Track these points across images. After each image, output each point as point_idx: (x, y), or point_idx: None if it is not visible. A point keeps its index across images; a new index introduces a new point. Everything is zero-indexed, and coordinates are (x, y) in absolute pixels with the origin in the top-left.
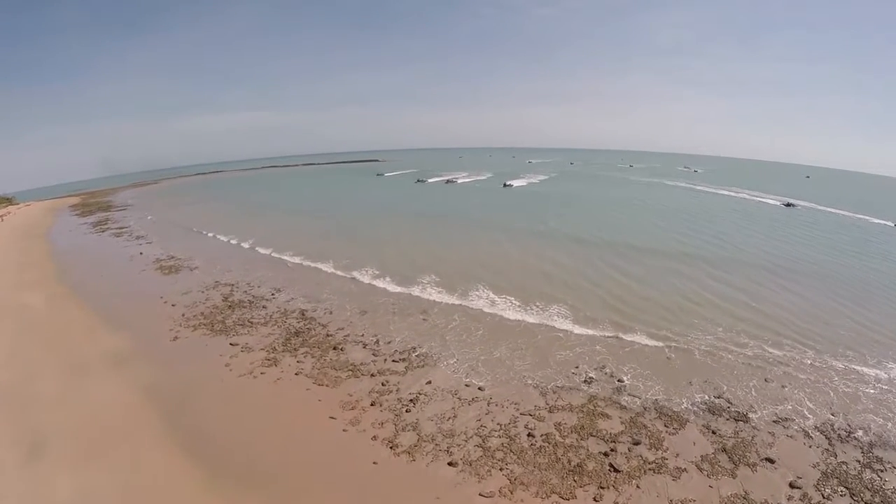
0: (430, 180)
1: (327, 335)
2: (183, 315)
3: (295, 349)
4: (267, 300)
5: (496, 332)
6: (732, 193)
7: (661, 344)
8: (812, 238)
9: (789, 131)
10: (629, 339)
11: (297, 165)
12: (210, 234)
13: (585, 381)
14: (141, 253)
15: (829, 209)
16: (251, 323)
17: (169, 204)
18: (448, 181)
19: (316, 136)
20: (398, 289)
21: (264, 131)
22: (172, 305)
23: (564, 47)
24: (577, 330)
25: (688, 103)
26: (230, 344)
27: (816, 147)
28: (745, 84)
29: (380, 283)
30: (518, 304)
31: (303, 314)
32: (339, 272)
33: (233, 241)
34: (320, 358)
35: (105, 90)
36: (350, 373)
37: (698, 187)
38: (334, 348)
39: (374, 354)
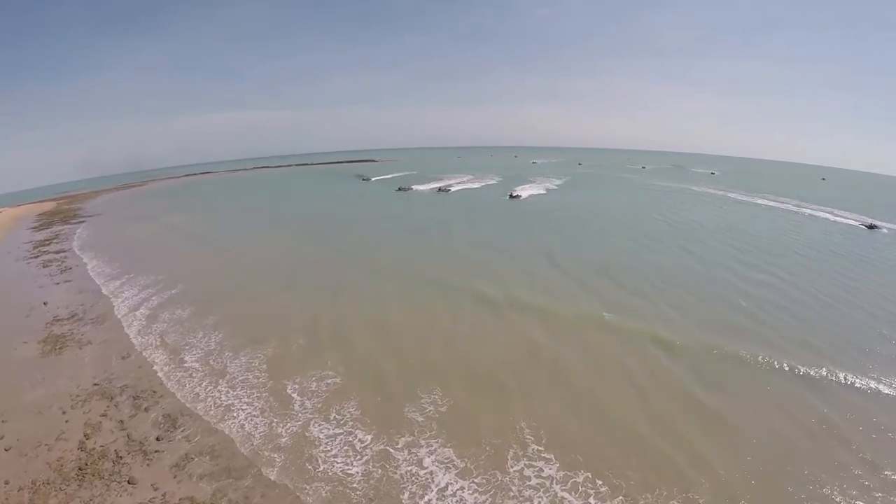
0: (419, 187)
1: None
2: (3, 487)
3: None
4: (146, 454)
5: None
6: (775, 204)
7: None
8: None
9: (790, 131)
10: None
11: (289, 166)
12: (136, 275)
13: None
14: (45, 303)
15: None
16: None
17: (134, 216)
18: (440, 189)
19: (315, 135)
20: (374, 438)
21: (263, 130)
22: (6, 450)
23: (565, 46)
24: None
25: (689, 102)
26: None
27: (819, 146)
28: (746, 83)
29: (339, 418)
30: None
31: None
32: (272, 385)
33: (155, 289)
34: None
35: (100, 90)
36: None
37: (731, 195)
38: None
39: None
